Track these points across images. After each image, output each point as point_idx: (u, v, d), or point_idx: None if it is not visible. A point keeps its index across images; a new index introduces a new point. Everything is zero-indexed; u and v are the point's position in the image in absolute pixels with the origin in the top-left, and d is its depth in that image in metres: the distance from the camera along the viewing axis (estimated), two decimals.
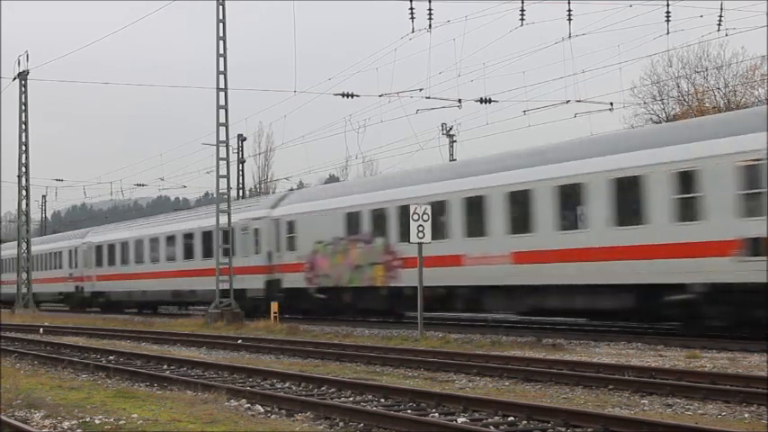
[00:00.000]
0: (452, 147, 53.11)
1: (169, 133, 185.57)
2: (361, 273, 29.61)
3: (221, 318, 30.64)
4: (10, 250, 57.05)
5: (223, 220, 32.57)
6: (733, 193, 19.20)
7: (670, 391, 12.34)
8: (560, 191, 22.97)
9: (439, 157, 49.93)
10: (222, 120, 31.67)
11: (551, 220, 23.15)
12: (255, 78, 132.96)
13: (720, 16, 29.19)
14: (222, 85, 31.45)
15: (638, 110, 48.44)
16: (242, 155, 58.53)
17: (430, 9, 29.40)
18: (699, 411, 11.12)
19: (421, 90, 34.76)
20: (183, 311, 44.73)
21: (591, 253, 22.09)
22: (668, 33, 29.13)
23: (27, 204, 46.94)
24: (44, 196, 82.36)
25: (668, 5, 28.38)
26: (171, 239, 41.51)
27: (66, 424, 10.44)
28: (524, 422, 10.31)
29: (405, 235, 26.95)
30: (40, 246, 57.73)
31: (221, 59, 31.31)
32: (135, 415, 10.87)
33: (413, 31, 29.96)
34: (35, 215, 75.32)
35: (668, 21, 28.69)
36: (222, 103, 31.57)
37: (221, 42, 31.28)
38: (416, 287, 25.54)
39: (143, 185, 63.67)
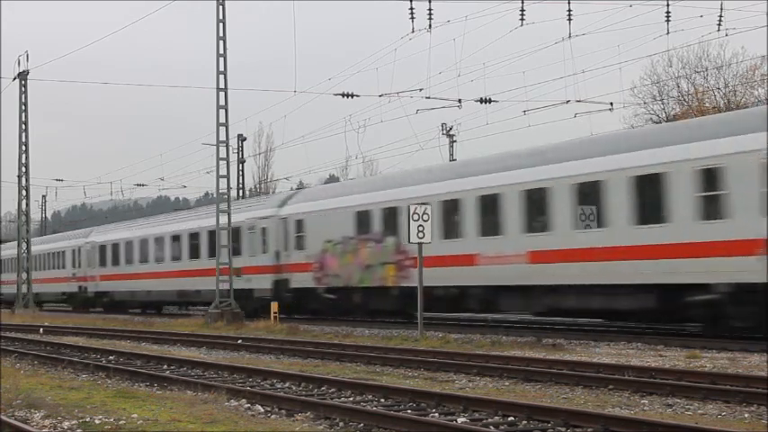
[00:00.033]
0: (452, 147, 53.13)
1: (169, 133, 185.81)
2: (371, 272, 29.26)
3: (221, 318, 30.63)
4: (10, 250, 56.91)
5: (226, 219, 32.52)
6: (759, 190, 18.69)
7: (670, 391, 12.34)
8: (579, 189, 22.56)
9: (439, 158, 49.97)
10: (222, 120, 31.68)
11: (569, 218, 22.72)
12: (255, 78, 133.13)
13: (720, 16, 29.23)
14: (222, 85, 31.46)
15: (638, 110, 48.50)
16: (242, 155, 58.57)
17: (430, 9, 29.44)
18: (699, 411, 11.12)
19: (421, 90, 34.81)
20: (182, 311, 44.68)
21: (610, 252, 21.66)
22: (668, 33, 29.18)
23: (27, 204, 46.98)
24: (44, 196, 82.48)
25: (668, 5, 28.41)
26: (176, 239, 41.21)
27: (66, 424, 10.43)
28: (524, 422, 10.30)
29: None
30: (42, 245, 57.61)
31: (221, 59, 31.32)
32: (135, 415, 10.87)
33: (413, 31, 30.00)
34: (35, 215, 75.41)
35: (668, 21, 28.72)
36: (222, 103, 31.58)
37: (221, 42, 31.29)
38: (430, 287, 25.35)
39: (143, 185, 63.74)
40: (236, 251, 35.18)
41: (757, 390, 11.95)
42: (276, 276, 33.89)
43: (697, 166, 19.93)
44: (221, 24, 31.23)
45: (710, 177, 19.68)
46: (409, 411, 11.16)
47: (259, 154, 73.17)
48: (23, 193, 46.27)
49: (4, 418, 10.38)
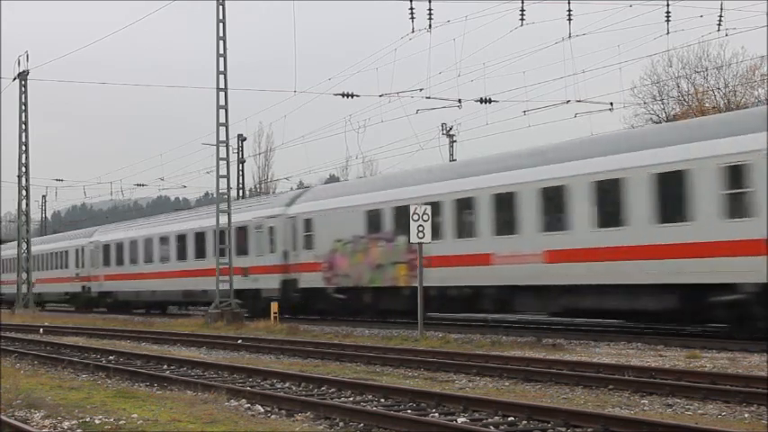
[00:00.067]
0: (452, 147, 53.15)
1: (169, 133, 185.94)
2: (382, 272, 28.80)
3: (221, 318, 30.60)
4: (11, 250, 56.77)
5: (234, 218, 32.32)
6: None
7: (670, 391, 12.34)
8: (598, 186, 22.06)
9: (439, 158, 49.99)
10: (222, 120, 31.67)
11: (588, 217, 22.26)
12: (255, 78, 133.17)
13: (720, 16, 29.22)
14: (222, 85, 31.45)
15: (638, 110, 48.51)
16: (242, 155, 58.57)
17: (430, 9, 29.42)
18: (699, 411, 11.11)
19: (421, 90, 34.80)
20: (182, 311, 44.59)
21: (631, 251, 21.18)
22: (668, 33, 29.15)
23: (27, 204, 46.95)
24: (44, 196, 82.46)
25: (668, 5, 28.40)
26: (181, 238, 40.87)
27: (66, 424, 10.43)
28: (524, 422, 10.30)
29: (431, 233, 26.95)
30: (45, 245, 57.43)
31: (221, 59, 31.31)
32: (135, 415, 10.87)
33: (413, 31, 29.98)
34: (35, 215, 75.36)
35: (668, 21, 28.71)
36: (222, 103, 31.57)
37: (221, 42, 31.28)
38: (443, 287, 25.12)
39: (143, 185, 63.72)
40: (242, 251, 35.09)
41: (757, 390, 11.95)
42: (284, 276, 33.51)
43: (722, 163, 19.42)
44: (221, 24, 31.23)
45: (736, 174, 19.17)
46: (409, 411, 11.16)
47: (259, 154, 73.24)
48: (23, 193, 46.27)
49: (4, 418, 10.38)
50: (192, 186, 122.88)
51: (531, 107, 35.29)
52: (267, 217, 34.80)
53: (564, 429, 9.84)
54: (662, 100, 48.70)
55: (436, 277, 26.09)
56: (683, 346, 19.12)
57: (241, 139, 58.12)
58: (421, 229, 22.52)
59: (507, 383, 14.13)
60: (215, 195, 33.91)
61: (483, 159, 27.31)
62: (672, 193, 20.43)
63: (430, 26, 29.70)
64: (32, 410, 11.31)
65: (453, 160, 49.14)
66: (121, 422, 10.40)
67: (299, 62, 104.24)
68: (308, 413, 11.18)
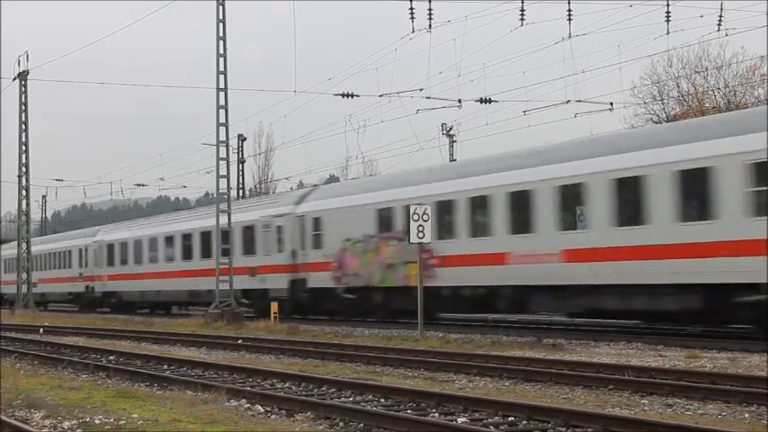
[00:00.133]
0: (452, 147, 53.16)
1: (169, 133, 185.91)
2: (393, 272, 28.23)
3: (221, 318, 30.60)
4: (11, 250, 56.61)
5: (241, 217, 32.09)
6: None
7: (670, 391, 12.34)
8: (617, 184, 21.58)
9: (439, 158, 49.99)
10: (222, 120, 31.68)
11: (608, 215, 21.77)
12: (255, 78, 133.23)
13: (720, 16, 29.24)
14: (222, 85, 31.46)
15: (638, 110, 48.51)
16: (242, 155, 58.58)
17: (430, 9, 29.44)
18: (699, 411, 11.12)
19: (421, 90, 34.84)
20: (182, 311, 44.48)
21: (653, 250, 20.69)
22: (668, 33, 29.16)
23: (27, 204, 46.96)
24: (44, 196, 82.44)
25: (668, 5, 28.41)
26: (187, 237, 40.45)
27: (66, 424, 10.43)
28: (524, 422, 10.30)
29: (444, 232, 26.21)
30: (48, 245, 57.23)
31: (221, 59, 31.32)
32: (135, 415, 10.87)
33: (413, 31, 30.00)
34: (35, 215, 75.30)
35: (668, 21, 28.72)
36: (222, 103, 31.58)
37: (221, 42, 31.29)
38: (456, 287, 24.80)
39: (143, 185, 63.72)
40: (250, 250, 34.85)
41: (757, 390, 11.95)
42: (292, 276, 33.05)
43: (748, 160, 18.94)
44: (221, 24, 31.24)
45: (762, 171, 18.70)
46: (409, 411, 11.16)
47: (259, 154, 73.23)
48: (23, 193, 46.28)
49: (4, 418, 10.38)
50: (191, 186, 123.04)
51: (531, 107, 35.32)
52: (275, 216, 34.35)
53: (564, 429, 9.84)
54: (662, 100, 48.74)
55: (449, 277, 25.86)
56: (683, 346, 19.12)
57: (241, 139, 58.16)
58: (421, 229, 22.49)
59: (507, 383, 14.13)
60: (215, 195, 33.85)
61: (498, 157, 26.87)
62: (695, 191, 20.02)
63: (430, 26, 29.75)
64: (32, 410, 11.31)
65: (453, 160, 49.16)
66: (121, 422, 10.40)
67: (299, 62, 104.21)
68: (308, 413, 11.18)
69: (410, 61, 36.45)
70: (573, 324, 27.31)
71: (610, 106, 34.50)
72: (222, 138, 31.87)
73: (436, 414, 10.96)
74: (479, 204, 25.35)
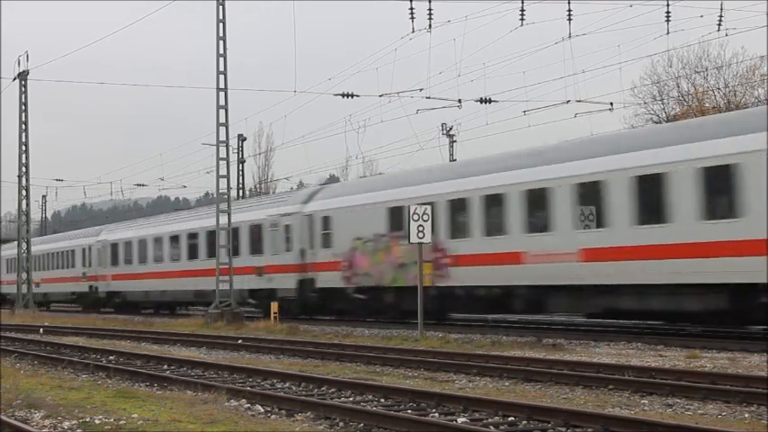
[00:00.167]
0: (452, 147, 53.18)
1: (169, 133, 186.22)
2: (405, 271, 27.49)
3: (221, 318, 30.59)
4: (12, 250, 56.38)
5: (248, 216, 31.77)
6: None
7: (670, 391, 12.34)
8: (638, 182, 21.07)
9: (439, 158, 49.99)
10: (222, 120, 31.68)
11: (628, 213, 21.27)
12: (255, 78, 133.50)
13: (720, 16, 29.23)
14: (222, 85, 31.46)
15: (638, 110, 48.52)
16: (242, 155, 58.58)
17: (430, 9, 29.45)
18: (699, 411, 11.11)
19: (421, 90, 34.85)
20: (182, 311, 44.37)
21: (675, 249, 20.19)
22: (668, 33, 29.16)
23: (27, 204, 46.97)
24: (44, 196, 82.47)
25: (668, 5, 28.41)
26: (192, 236, 39.91)
27: (66, 424, 10.44)
28: (524, 422, 10.30)
29: (457, 231, 25.90)
30: (51, 244, 56.90)
31: (221, 59, 31.32)
32: (135, 415, 10.87)
33: (413, 31, 30.00)
34: (35, 215, 75.34)
35: (668, 21, 28.72)
36: (222, 103, 31.58)
37: (221, 42, 31.29)
38: (471, 286, 24.35)
39: (143, 185, 63.71)
40: (257, 249, 34.53)
41: (757, 390, 11.95)
42: (301, 276, 32.54)
43: None
44: (221, 24, 31.24)
45: None
46: (409, 411, 11.16)
47: (259, 154, 73.24)
48: (23, 193, 46.29)
49: (4, 418, 10.38)
50: (192, 186, 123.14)
51: (531, 107, 35.32)
52: (283, 215, 33.83)
53: (564, 429, 9.84)
54: (662, 100, 48.75)
55: (463, 276, 25.57)
56: (683, 346, 19.11)
57: (241, 139, 58.16)
58: (421, 229, 22.48)
59: (507, 383, 14.13)
60: (215, 195, 33.80)
61: (512, 154, 26.41)
62: (720, 188, 19.55)
63: (430, 26, 29.75)
64: (32, 410, 11.31)
65: (453, 160, 49.16)
66: (121, 422, 10.40)
67: (299, 62, 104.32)
68: (308, 413, 11.18)
69: (410, 61, 36.48)
70: (573, 324, 27.32)
71: (610, 106, 34.55)
72: (222, 138, 31.88)
73: (436, 414, 10.96)
74: (494, 203, 24.89)
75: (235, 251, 34.12)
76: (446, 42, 33.58)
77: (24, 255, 46.38)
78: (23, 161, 45.13)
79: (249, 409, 11.66)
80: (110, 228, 51.55)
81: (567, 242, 22.71)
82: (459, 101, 35.36)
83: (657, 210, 20.72)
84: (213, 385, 13.25)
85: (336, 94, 34.59)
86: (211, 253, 36.83)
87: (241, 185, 58.41)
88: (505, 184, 24.63)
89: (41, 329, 29.94)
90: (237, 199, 48.83)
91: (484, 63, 65.15)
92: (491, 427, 9.98)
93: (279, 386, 14.00)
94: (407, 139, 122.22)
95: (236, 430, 9.91)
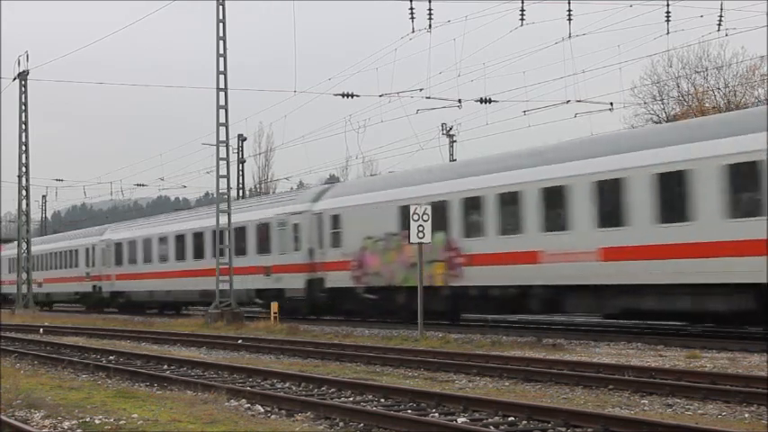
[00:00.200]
0: (452, 147, 53.19)
1: (169, 133, 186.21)
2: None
3: (221, 318, 30.58)
4: (13, 250, 56.14)
5: (255, 215, 31.42)
6: None
7: (670, 391, 12.34)
8: (661, 179, 20.58)
9: (439, 158, 49.97)
10: (222, 120, 31.68)
11: (650, 211, 20.76)
12: (255, 78, 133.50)
13: (720, 16, 29.24)
14: (222, 85, 31.46)
15: (638, 110, 48.53)
16: (242, 155, 58.60)
17: (430, 9, 29.45)
18: (699, 411, 11.12)
19: (421, 90, 34.86)
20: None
21: (699, 248, 19.71)
22: (668, 33, 29.17)
23: (27, 204, 46.96)
24: (44, 196, 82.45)
25: (668, 5, 28.42)
26: (198, 236, 39.46)
27: (66, 424, 10.44)
28: (524, 422, 10.30)
29: (471, 230, 25.45)
30: (53, 244, 56.60)
31: (221, 59, 31.33)
32: (135, 415, 10.87)
33: (413, 31, 30.00)
34: (35, 215, 75.31)
35: (668, 21, 28.73)
36: (222, 103, 31.59)
37: (221, 42, 31.30)
38: (484, 286, 24.02)
39: (143, 185, 63.68)
40: (264, 249, 34.18)
41: (757, 390, 11.95)
42: (309, 275, 32.02)
43: None
44: (221, 24, 31.25)
45: None
46: (409, 411, 11.16)
47: (259, 154, 73.26)
48: (23, 193, 46.29)
49: (4, 418, 10.38)
50: (192, 186, 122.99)
51: (531, 107, 35.32)
52: (291, 213, 33.29)
53: (564, 429, 9.85)
54: (662, 100, 48.76)
55: (477, 276, 25.19)
56: (683, 346, 19.12)
57: (241, 139, 58.18)
58: (421, 229, 22.47)
59: (507, 383, 14.14)
60: (215, 195, 33.74)
61: (529, 152, 25.96)
62: (747, 186, 19.05)
63: (430, 26, 29.75)
64: (32, 410, 11.31)
65: (453, 160, 49.17)
66: (121, 422, 10.40)
67: (299, 62, 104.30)
68: (308, 413, 11.18)
69: (410, 61, 36.49)
70: (573, 324, 27.32)
71: (610, 106, 34.58)
72: (222, 138, 31.88)
73: (436, 414, 10.96)
74: (509, 201, 24.43)
75: (242, 251, 33.89)
76: (446, 42, 33.62)
77: (24, 255, 46.36)
78: (23, 161, 45.14)
79: (249, 409, 11.66)
80: (114, 227, 51.02)
81: (586, 241, 22.27)
82: (459, 101, 35.40)
83: (681, 208, 20.26)
84: (213, 385, 13.25)
85: (336, 94, 34.62)
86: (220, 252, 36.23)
87: (241, 185, 58.48)
88: (521, 181, 24.18)
89: (41, 329, 29.94)
90: (238, 199, 48.78)
91: (484, 63, 65.21)
92: (491, 427, 9.98)
93: (279, 386, 14.00)
94: (407, 139, 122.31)
95: (236, 430, 9.92)
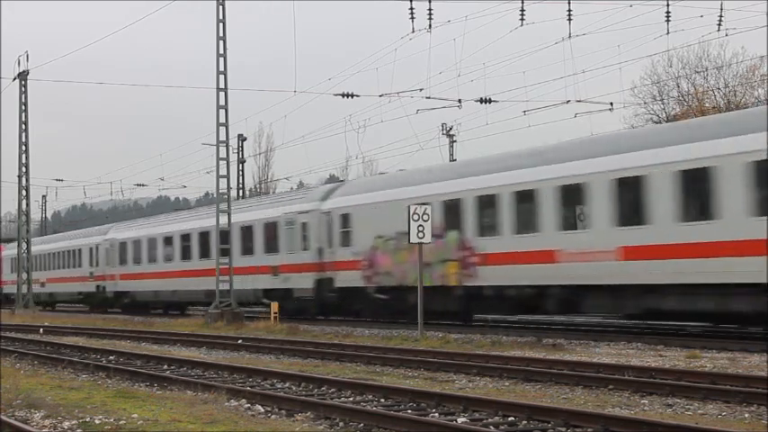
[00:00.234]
0: (452, 147, 53.21)
1: (169, 133, 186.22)
2: (430, 271, 26.24)
3: (221, 318, 30.58)
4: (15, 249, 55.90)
5: (263, 214, 31.11)
6: None
7: (670, 391, 12.34)
8: (683, 176, 20.09)
9: (439, 158, 49.98)
10: (222, 120, 31.69)
11: (672, 209, 20.29)
12: (255, 78, 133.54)
13: (720, 16, 29.25)
14: (222, 85, 31.46)
15: (638, 110, 48.53)
16: (242, 155, 58.61)
17: (430, 9, 29.46)
18: (699, 411, 11.12)
19: (421, 90, 34.88)
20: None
21: (724, 247, 19.22)
22: (668, 33, 29.18)
23: (27, 204, 46.96)
24: (44, 196, 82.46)
25: (668, 5, 28.43)
26: (204, 235, 38.87)
27: (66, 424, 10.44)
28: (524, 422, 10.31)
29: (485, 228, 25.00)
30: (56, 243, 56.20)
31: (221, 59, 31.33)
32: (135, 415, 10.87)
33: (413, 31, 30.02)
34: (35, 215, 75.31)
35: (668, 21, 28.74)
36: (222, 103, 31.59)
37: (221, 42, 31.30)
38: (499, 286, 23.73)
39: (143, 185, 63.68)
40: (272, 248, 33.84)
41: (757, 390, 11.95)
42: (318, 275, 31.56)
43: None
44: (221, 24, 31.25)
45: None
46: (409, 411, 11.17)
47: (259, 154, 73.26)
48: (23, 193, 46.30)
49: (4, 418, 10.38)
50: (192, 186, 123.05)
51: (531, 107, 35.32)
52: (300, 212, 32.81)
53: (564, 429, 9.85)
54: (662, 100, 48.76)
55: (492, 276, 24.81)
56: (683, 346, 19.12)
57: (241, 139, 58.19)
58: (421, 229, 22.46)
59: (507, 383, 14.14)
60: (215, 195, 33.71)
61: (544, 149, 25.42)
62: None
63: (430, 26, 29.76)
64: (32, 410, 11.32)
65: (453, 160, 49.17)
66: (121, 422, 10.41)
67: (299, 62, 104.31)
68: (308, 413, 11.18)
69: (410, 61, 36.52)
70: (573, 324, 27.31)
71: (610, 106, 34.59)
72: (222, 138, 31.88)
73: (436, 414, 10.96)
74: (525, 199, 23.93)
75: (249, 250, 33.73)
76: (446, 42, 33.63)
77: (24, 255, 46.35)
78: (23, 161, 45.15)
79: (249, 409, 11.67)
80: (118, 226, 50.46)
81: (606, 240, 21.83)
82: (459, 101, 35.41)
83: (705, 206, 19.84)
84: (213, 385, 13.25)
85: (336, 94, 34.63)
86: (223, 252, 35.21)
87: (241, 185, 58.49)
88: (538, 179, 23.73)
89: (41, 329, 29.94)
90: (238, 199, 48.73)
91: (484, 63, 65.31)
92: (491, 427, 9.98)
93: (279, 386, 14.00)
94: (407, 139, 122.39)
95: (236, 430, 9.92)
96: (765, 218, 18.53)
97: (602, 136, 25.11)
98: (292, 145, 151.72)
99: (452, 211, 26.03)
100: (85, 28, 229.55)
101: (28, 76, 43.69)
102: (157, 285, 42.72)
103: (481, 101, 35.79)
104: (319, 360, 18.68)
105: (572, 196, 22.76)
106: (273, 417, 11.24)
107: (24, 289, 46.01)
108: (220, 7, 31.25)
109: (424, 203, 25.92)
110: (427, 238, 22.60)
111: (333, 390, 13.29)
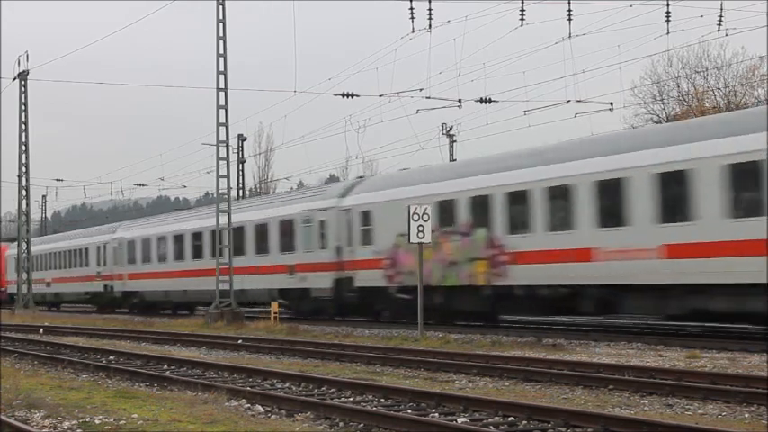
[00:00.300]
0: (452, 147, 53.21)
1: (169, 133, 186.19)
2: (456, 270, 25.85)
3: (221, 318, 30.57)
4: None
5: (279, 211, 31.09)
6: None
7: (670, 391, 12.34)
8: (732, 170, 19.14)
9: (439, 157, 49.97)
10: (222, 120, 31.70)
11: (720, 205, 19.35)
12: (255, 78, 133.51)
13: (720, 16, 29.25)
14: (222, 85, 31.47)
15: (638, 110, 48.53)
16: (242, 155, 58.63)
17: (430, 9, 29.48)
18: (699, 411, 11.12)
19: (421, 90, 34.90)
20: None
21: None
22: (668, 33, 29.18)
23: (27, 204, 46.97)
24: (44, 196, 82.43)
25: (668, 5, 28.44)
26: (214, 234, 37.27)
27: (66, 424, 10.44)
28: (524, 422, 10.31)
29: (516, 225, 24.20)
30: (62, 242, 55.67)
31: (221, 59, 31.34)
32: (135, 415, 10.87)
33: (413, 31, 30.03)
34: (35, 215, 75.29)
35: (668, 21, 28.75)
36: (222, 103, 31.60)
37: (221, 42, 31.31)
38: (532, 286, 23.54)
39: (143, 185, 63.69)
40: (288, 247, 33.20)
41: (757, 390, 11.95)
42: (337, 274, 30.74)
43: None
44: (221, 24, 31.26)
45: None
46: (409, 411, 11.17)
47: (259, 154, 73.27)
48: (23, 193, 46.30)
49: (4, 418, 10.38)
50: (192, 186, 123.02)
51: (531, 107, 35.32)
52: (317, 209, 31.99)
53: (564, 429, 9.85)
54: (662, 100, 48.77)
55: (524, 275, 24.02)
56: (683, 346, 19.12)
57: (241, 139, 58.20)
58: (421, 228, 22.46)
59: (507, 383, 14.14)
60: (215, 195, 33.69)
61: (580, 142, 24.76)
62: None
63: (430, 26, 29.77)
64: (32, 410, 11.32)
65: (453, 160, 49.15)
66: (121, 422, 10.41)
67: (299, 62, 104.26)
68: (308, 413, 11.18)
69: (410, 61, 36.51)
70: (573, 324, 27.31)
71: (610, 106, 34.55)
72: (222, 138, 31.89)
73: (436, 414, 10.96)
74: (559, 195, 23.10)
75: (264, 249, 33.48)
76: (446, 42, 33.63)
77: (24, 255, 46.34)
78: (23, 161, 45.16)
79: (249, 409, 11.67)
80: (126, 225, 49.59)
81: (647, 237, 20.91)
82: (459, 101, 35.43)
83: (754, 202, 18.89)
84: (213, 385, 13.26)
85: (336, 94, 34.64)
86: (237, 251, 34.73)
87: (241, 185, 58.49)
88: (574, 174, 22.82)
89: (41, 329, 29.95)
90: (237, 199, 48.70)
91: (484, 63, 65.21)
92: (491, 427, 9.99)
93: (279, 386, 14.00)
94: (407, 139, 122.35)
95: (236, 430, 9.92)
96: None
97: (641, 130, 24.44)
98: (292, 145, 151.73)
99: (481, 207, 25.23)
100: (85, 28, 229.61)
101: (28, 76, 43.71)
102: (167, 285, 41.85)
103: (481, 101, 35.81)
104: (319, 360, 18.69)
105: (610, 192, 21.84)
106: (273, 417, 11.24)
107: (25, 289, 45.98)
108: (220, 7, 31.27)
109: (449, 200, 25.62)
110: (427, 238, 22.59)
111: (333, 390, 13.29)
